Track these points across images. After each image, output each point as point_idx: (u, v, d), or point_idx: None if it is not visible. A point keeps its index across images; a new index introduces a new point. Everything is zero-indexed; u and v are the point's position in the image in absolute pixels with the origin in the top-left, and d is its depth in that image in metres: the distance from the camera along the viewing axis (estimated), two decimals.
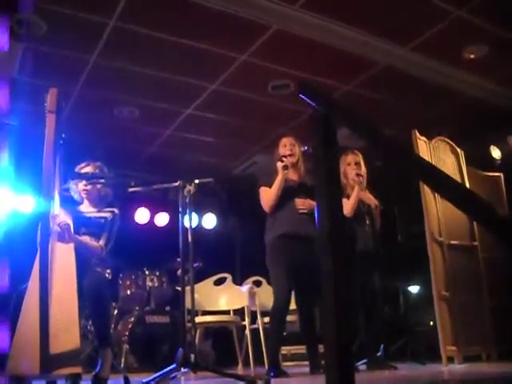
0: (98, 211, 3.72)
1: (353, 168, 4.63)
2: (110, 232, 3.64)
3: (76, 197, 3.79)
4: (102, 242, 3.56)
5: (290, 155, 4.30)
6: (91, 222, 3.63)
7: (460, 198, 1.50)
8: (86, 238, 3.49)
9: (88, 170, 3.73)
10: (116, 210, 3.74)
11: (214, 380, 3.59)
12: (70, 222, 3.30)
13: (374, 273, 4.57)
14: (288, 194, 4.22)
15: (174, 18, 4.60)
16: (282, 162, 4.19)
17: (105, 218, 3.67)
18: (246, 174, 7.97)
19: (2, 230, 3.46)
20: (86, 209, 3.74)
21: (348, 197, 4.47)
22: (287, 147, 4.36)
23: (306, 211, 4.19)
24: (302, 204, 4.21)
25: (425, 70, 5.52)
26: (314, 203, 4.16)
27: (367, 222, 4.55)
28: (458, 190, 1.54)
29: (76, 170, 3.72)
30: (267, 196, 4.25)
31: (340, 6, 4.58)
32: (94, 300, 3.25)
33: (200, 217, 8.37)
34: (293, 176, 4.34)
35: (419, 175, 1.95)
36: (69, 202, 3.63)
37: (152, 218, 8.19)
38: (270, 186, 4.24)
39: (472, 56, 5.38)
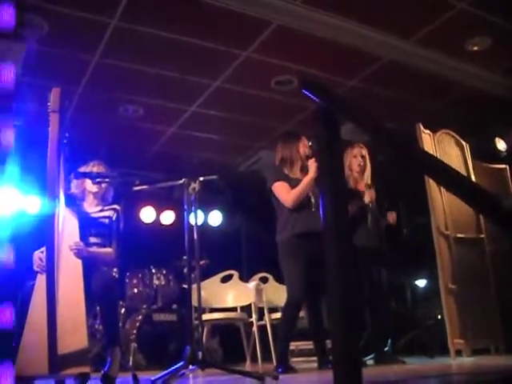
0: (101, 210, 3.73)
1: (359, 160, 4.64)
2: (118, 232, 3.65)
3: (77, 192, 3.78)
4: (114, 246, 3.58)
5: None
6: (98, 222, 3.64)
7: (465, 192, 1.50)
8: (97, 250, 3.51)
9: (95, 169, 3.74)
10: (118, 207, 3.74)
11: (222, 377, 3.60)
12: (75, 222, 3.31)
13: (380, 268, 4.56)
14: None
15: (175, 16, 4.60)
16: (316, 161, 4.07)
17: (109, 217, 3.68)
18: (251, 170, 7.96)
19: (9, 230, 3.46)
20: (89, 207, 3.75)
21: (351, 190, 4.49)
22: (306, 149, 4.29)
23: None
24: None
25: (428, 63, 5.50)
26: None
27: (369, 217, 4.53)
28: (463, 184, 1.54)
29: (83, 169, 3.72)
30: (294, 194, 4.13)
31: (341, 0, 4.57)
32: (103, 299, 3.25)
33: (206, 214, 8.38)
34: (301, 176, 4.28)
35: (424, 169, 1.94)
36: (73, 201, 3.64)
37: (157, 216, 8.20)
38: (287, 181, 4.20)
39: (475, 48, 5.35)
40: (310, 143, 4.32)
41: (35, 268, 3.17)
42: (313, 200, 4.20)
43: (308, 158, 4.17)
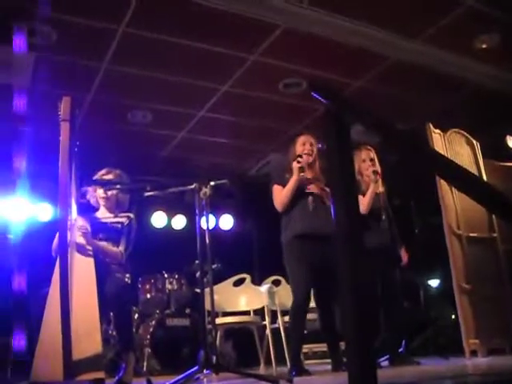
0: (115, 216, 3.75)
1: (368, 164, 4.60)
2: (127, 237, 3.66)
3: (92, 201, 3.83)
4: (121, 248, 3.59)
5: (307, 154, 4.27)
6: (108, 227, 3.65)
7: (476, 191, 1.49)
8: (104, 244, 3.52)
9: (108, 177, 3.76)
10: (131, 215, 3.77)
11: (237, 381, 3.59)
12: (89, 229, 3.33)
13: (393, 268, 4.54)
14: (302, 192, 4.20)
15: (182, 21, 4.61)
16: (299, 162, 4.16)
17: (121, 223, 3.70)
18: (261, 173, 7.97)
19: (19, 236, 3.50)
20: (103, 215, 3.77)
21: (363, 194, 4.45)
22: (306, 146, 4.31)
23: (315, 191, 4.16)
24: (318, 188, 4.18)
25: (437, 62, 5.47)
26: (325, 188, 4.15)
27: (383, 217, 4.51)
28: (474, 183, 1.53)
29: (96, 176, 3.75)
30: (280, 196, 4.23)
31: (347, 1, 4.56)
32: (116, 305, 3.27)
33: (217, 218, 8.39)
34: (308, 174, 4.31)
35: (435, 169, 1.93)
36: (85, 209, 3.66)
37: (169, 221, 8.22)
38: (284, 185, 4.22)
39: (484, 45, 5.32)
40: (320, 145, 4.33)
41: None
42: (310, 199, 4.21)
43: (297, 157, 4.19)
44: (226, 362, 5.88)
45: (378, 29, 4.96)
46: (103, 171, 3.78)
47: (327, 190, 4.07)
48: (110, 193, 3.76)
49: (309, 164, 4.28)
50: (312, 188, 4.20)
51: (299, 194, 4.19)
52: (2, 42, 4.23)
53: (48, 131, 3.12)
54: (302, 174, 4.14)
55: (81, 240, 3.20)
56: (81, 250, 3.14)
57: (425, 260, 6.53)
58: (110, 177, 3.75)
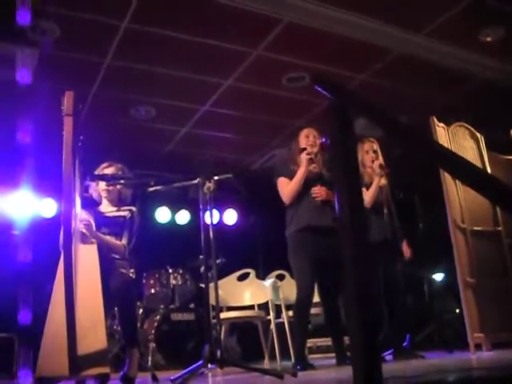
0: (117, 210, 3.75)
1: (371, 156, 4.60)
2: (130, 230, 3.66)
3: (95, 195, 3.83)
4: (124, 241, 3.59)
5: (311, 146, 4.27)
6: (111, 221, 3.66)
7: (481, 184, 1.49)
8: (107, 238, 3.52)
9: (110, 170, 3.75)
10: (133, 208, 3.76)
11: (241, 375, 3.60)
12: (92, 222, 3.34)
13: (395, 262, 4.53)
14: (307, 185, 4.20)
15: (185, 16, 4.60)
16: (309, 154, 4.15)
17: (123, 216, 3.70)
18: (266, 167, 7.96)
19: (24, 232, 3.50)
20: (105, 208, 3.77)
21: (366, 186, 4.44)
22: (310, 138, 4.31)
23: (323, 199, 4.15)
24: (319, 191, 4.17)
25: (441, 56, 5.46)
26: (329, 192, 4.14)
27: (385, 211, 4.50)
28: (478, 176, 1.53)
29: (98, 170, 3.75)
30: (288, 188, 4.21)
31: None
32: (121, 300, 3.27)
33: (221, 213, 8.39)
34: (313, 168, 4.30)
35: (439, 162, 1.93)
36: (88, 203, 3.67)
37: (173, 216, 8.22)
38: (289, 177, 4.21)
39: (488, 39, 5.30)
40: (324, 139, 4.32)
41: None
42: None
43: (303, 150, 4.18)
44: (230, 356, 5.89)
45: (382, 23, 4.94)
46: (105, 164, 3.78)
47: (332, 193, 4.05)
48: (112, 187, 3.76)
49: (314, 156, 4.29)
50: (318, 194, 4.17)
51: (306, 188, 4.18)
52: (5, 38, 4.23)
53: (51, 126, 3.12)
54: (313, 165, 4.13)
55: (84, 233, 3.21)
56: (85, 240, 3.15)
57: (429, 254, 6.52)
58: (111, 170, 3.75)
